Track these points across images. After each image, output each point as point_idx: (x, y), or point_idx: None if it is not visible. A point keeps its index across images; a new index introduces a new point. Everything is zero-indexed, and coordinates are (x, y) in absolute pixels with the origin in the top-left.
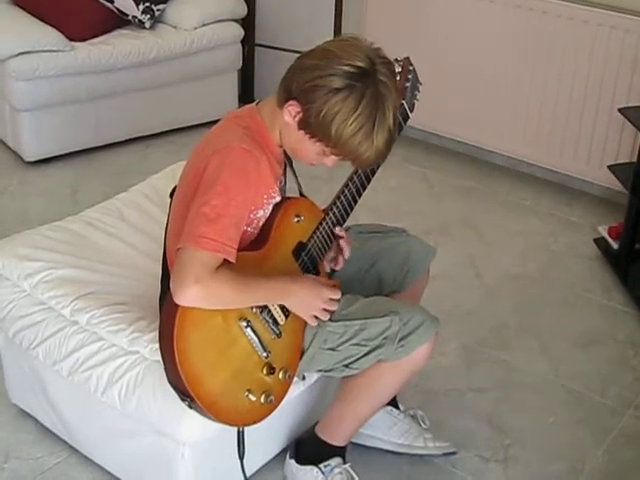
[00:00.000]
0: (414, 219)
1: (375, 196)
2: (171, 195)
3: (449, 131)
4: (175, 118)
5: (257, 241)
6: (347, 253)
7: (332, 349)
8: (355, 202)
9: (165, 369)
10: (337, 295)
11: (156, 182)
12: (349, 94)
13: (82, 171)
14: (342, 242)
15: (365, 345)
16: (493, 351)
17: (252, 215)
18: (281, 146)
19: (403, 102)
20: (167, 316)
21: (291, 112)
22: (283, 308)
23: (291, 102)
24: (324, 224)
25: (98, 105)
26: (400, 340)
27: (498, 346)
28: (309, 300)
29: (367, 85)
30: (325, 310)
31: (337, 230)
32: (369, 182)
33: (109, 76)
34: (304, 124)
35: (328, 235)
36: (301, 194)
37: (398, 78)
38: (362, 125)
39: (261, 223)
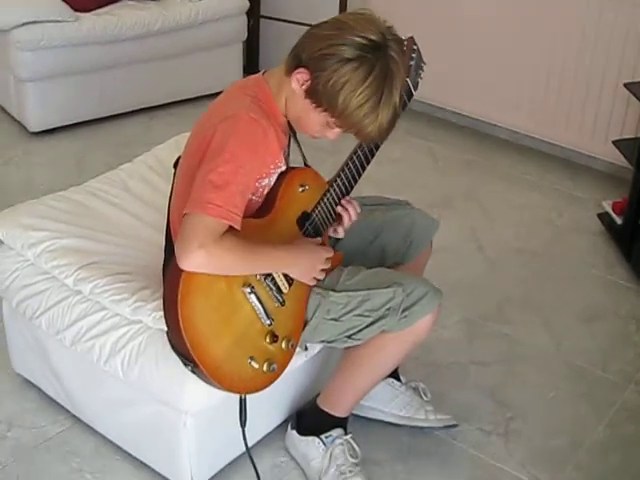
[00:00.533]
0: (418, 192)
1: (379, 169)
2: (175, 166)
3: (453, 104)
4: (180, 89)
5: (262, 209)
6: (347, 221)
7: (335, 319)
8: (359, 175)
9: (168, 333)
10: (330, 253)
11: (160, 153)
12: (359, 65)
13: (86, 142)
14: (341, 210)
15: (368, 316)
16: (495, 325)
17: (257, 184)
18: (286, 116)
19: (407, 80)
20: (171, 281)
21: (299, 80)
22: (287, 276)
23: (300, 70)
24: (328, 195)
25: (103, 76)
26: (403, 311)
27: (500, 320)
28: (310, 265)
29: (378, 58)
30: (323, 270)
31: (343, 201)
32: (373, 156)
33: (114, 47)
34: (311, 92)
35: (332, 206)
36: (305, 165)
37: None
38: (369, 97)
39: (266, 192)
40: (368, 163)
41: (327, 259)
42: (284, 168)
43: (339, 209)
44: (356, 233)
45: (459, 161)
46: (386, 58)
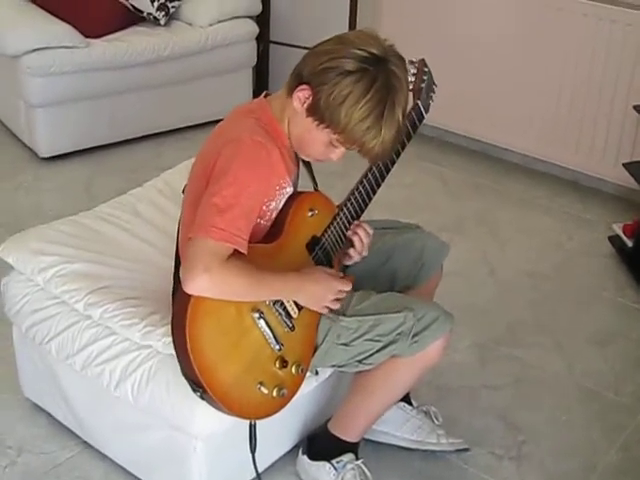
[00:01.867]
0: (428, 216)
1: (390, 193)
2: (183, 191)
3: (464, 128)
4: (190, 115)
5: (270, 234)
6: (358, 245)
7: (346, 344)
8: (370, 198)
9: (178, 359)
10: (347, 287)
11: (170, 177)
12: (361, 77)
13: (96, 167)
14: (351, 235)
15: (379, 340)
16: (507, 348)
17: (265, 207)
18: (289, 138)
19: (418, 102)
20: (179, 306)
21: (301, 98)
22: (296, 302)
23: (302, 87)
24: (338, 219)
25: (113, 101)
26: (414, 336)
27: (512, 343)
28: (320, 294)
29: (379, 71)
30: (335, 300)
31: (353, 225)
32: (384, 179)
33: (124, 73)
34: (313, 109)
35: (342, 230)
36: (315, 189)
37: (414, 79)
38: (372, 110)
39: (274, 215)
40: (379, 186)
41: (340, 290)
42: (290, 190)
43: (349, 233)
44: (367, 257)
45: (470, 185)
46: (387, 72)
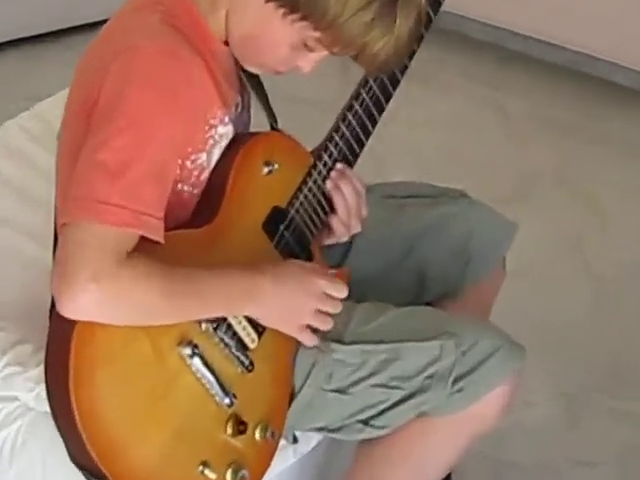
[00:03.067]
0: (479, 175)
1: (413, 134)
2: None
3: (536, 29)
4: (80, 12)
5: (201, 210)
6: (341, 207)
7: (341, 391)
8: (367, 135)
9: (60, 433)
10: (340, 290)
11: (44, 111)
12: None
13: None
14: (330, 188)
15: (397, 387)
16: (611, 399)
17: (189, 163)
18: (226, 42)
19: None
20: (57, 341)
21: None
22: (253, 321)
23: None
24: (315, 176)
25: None
26: (457, 380)
27: (619, 390)
28: (293, 304)
29: None
30: (322, 313)
31: (333, 173)
32: (389, 99)
33: None
34: None
35: (323, 194)
36: (273, 128)
37: None
38: None
39: (204, 177)
40: (380, 113)
41: (331, 297)
42: (228, 131)
43: (328, 186)
44: (375, 245)
45: (546, 122)
46: None
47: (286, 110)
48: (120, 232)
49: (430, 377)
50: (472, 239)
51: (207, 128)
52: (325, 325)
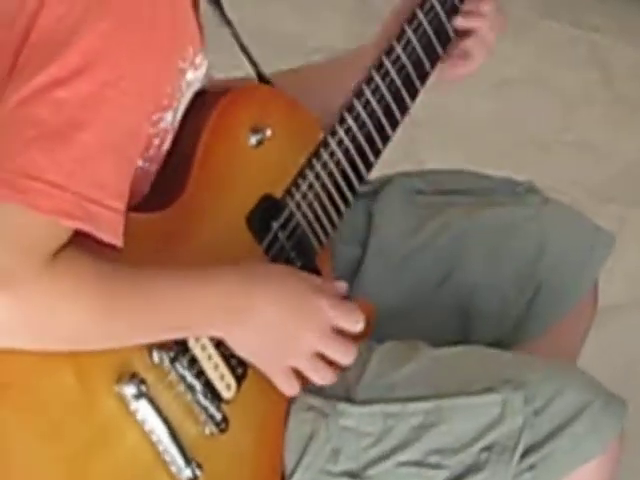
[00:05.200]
0: (562, 158)
1: (456, 98)
2: None
3: None
4: None
5: (158, 191)
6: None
7: (354, 475)
8: (403, 108)
9: None
10: (354, 319)
11: None
12: None
13: None
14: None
15: (439, 465)
16: None
17: (149, 126)
18: None
19: None
20: None
21: None
22: (229, 357)
23: None
24: (324, 158)
25: None
26: (527, 454)
27: None
28: (289, 332)
29: None
30: (321, 359)
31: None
32: (446, 44)
33: None
34: None
35: (336, 185)
36: (261, 78)
37: None
38: None
39: (166, 147)
40: (433, 65)
41: (341, 335)
42: (199, 77)
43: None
44: (399, 265)
45: None
46: None
47: (276, 61)
48: (52, 224)
49: (487, 449)
50: (545, 256)
51: (176, 75)
52: (320, 377)
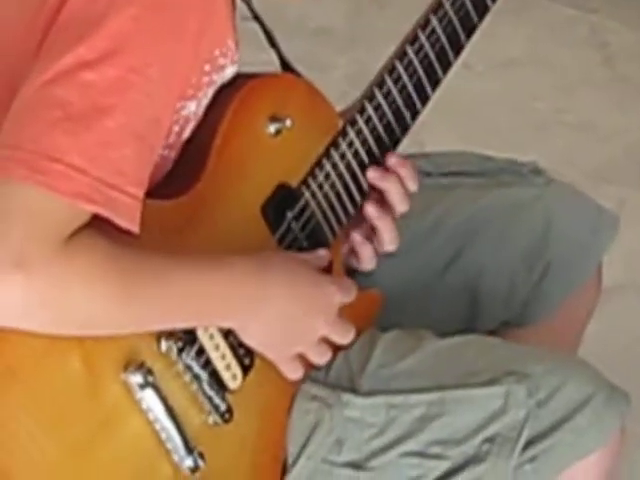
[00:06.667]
0: (561, 139)
1: (465, 78)
2: None
3: None
4: None
5: (176, 178)
6: (388, 235)
7: (357, 465)
8: (424, 98)
9: None
10: (349, 296)
11: None
12: None
13: None
14: (375, 180)
15: (441, 456)
16: None
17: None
18: None
19: None
20: None
21: None
22: (237, 346)
23: None
24: (343, 148)
25: None
26: (529, 446)
27: None
28: (302, 320)
29: None
30: (324, 342)
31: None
32: (471, 32)
33: None
34: None
35: (354, 176)
36: (286, 66)
37: None
38: None
39: (186, 135)
40: (457, 52)
41: (342, 322)
42: (230, 73)
43: (371, 177)
44: (405, 248)
45: None
46: None
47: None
48: (71, 206)
49: (490, 440)
50: (551, 237)
51: (208, 68)
52: (324, 360)
